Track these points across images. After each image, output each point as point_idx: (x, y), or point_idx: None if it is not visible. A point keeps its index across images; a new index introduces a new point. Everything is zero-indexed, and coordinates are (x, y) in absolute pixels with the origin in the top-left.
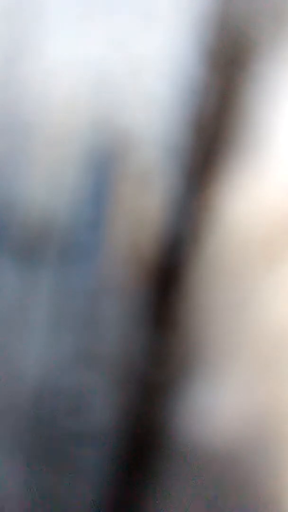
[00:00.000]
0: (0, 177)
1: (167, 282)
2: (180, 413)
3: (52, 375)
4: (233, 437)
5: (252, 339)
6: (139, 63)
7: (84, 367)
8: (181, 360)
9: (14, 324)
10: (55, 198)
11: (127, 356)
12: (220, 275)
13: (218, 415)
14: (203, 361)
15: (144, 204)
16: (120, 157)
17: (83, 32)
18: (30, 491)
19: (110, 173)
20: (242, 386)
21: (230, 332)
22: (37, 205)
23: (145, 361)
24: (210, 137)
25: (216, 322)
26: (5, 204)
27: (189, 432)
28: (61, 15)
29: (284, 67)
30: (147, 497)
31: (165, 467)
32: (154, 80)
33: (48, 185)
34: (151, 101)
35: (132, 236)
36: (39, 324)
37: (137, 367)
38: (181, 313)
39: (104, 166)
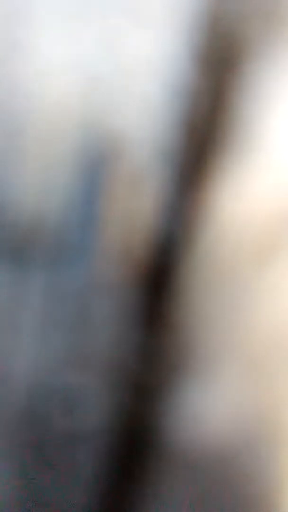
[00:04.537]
0: None
1: (159, 283)
2: (173, 414)
3: (44, 376)
4: (226, 437)
5: (244, 339)
6: (131, 64)
7: (76, 368)
8: (174, 360)
9: (5, 325)
10: (47, 199)
11: (119, 357)
12: (212, 275)
13: (210, 415)
14: (195, 361)
15: (136, 205)
16: (112, 158)
17: (74, 33)
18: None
19: (102, 174)
20: (234, 386)
21: (222, 333)
22: (29, 205)
23: (138, 362)
24: (202, 138)
25: (208, 323)
26: None
27: (181, 432)
28: (52, 15)
29: (275, 67)
30: (141, 497)
31: (158, 467)
32: (145, 81)
33: (39, 186)
34: (142, 102)
35: (124, 237)
36: (30, 325)
37: (129, 368)
38: (173, 314)
39: (95, 167)
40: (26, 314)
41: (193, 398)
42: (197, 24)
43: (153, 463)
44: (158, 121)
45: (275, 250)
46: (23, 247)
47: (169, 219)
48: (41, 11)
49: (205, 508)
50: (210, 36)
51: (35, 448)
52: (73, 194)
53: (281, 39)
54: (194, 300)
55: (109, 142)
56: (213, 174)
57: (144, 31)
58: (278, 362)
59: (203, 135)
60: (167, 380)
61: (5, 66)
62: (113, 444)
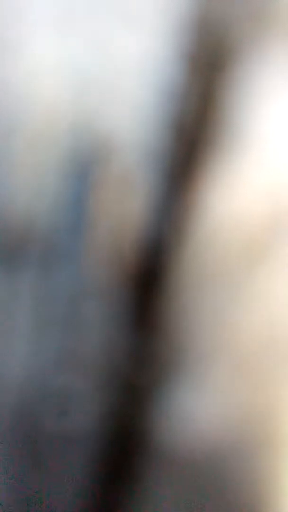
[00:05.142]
0: None
1: (149, 285)
2: (163, 415)
3: (36, 378)
4: (215, 439)
5: (234, 340)
6: (121, 66)
7: (67, 369)
8: (164, 362)
9: None
10: (37, 202)
11: (110, 359)
12: (202, 277)
13: (202, 416)
14: (185, 363)
15: (125, 207)
16: (101, 161)
17: (64, 35)
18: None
19: (92, 177)
20: (225, 387)
21: (213, 334)
22: (19, 209)
23: (128, 364)
24: (191, 140)
25: (199, 324)
26: None
27: (171, 434)
28: (42, 17)
29: (264, 68)
30: (130, 498)
31: (148, 468)
32: (135, 83)
33: (29, 189)
34: (132, 104)
35: (114, 239)
36: (22, 327)
37: (120, 370)
38: (163, 316)
39: (85, 170)
40: (17, 317)
41: (184, 399)
42: (187, 26)
43: (145, 464)
44: (147, 123)
45: (265, 251)
46: (13, 251)
47: (159, 221)
48: (31, 13)
49: (197, 507)
50: (200, 38)
51: (27, 449)
52: (63, 197)
53: (269, 41)
54: (184, 302)
55: (99, 144)
56: (203, 176)
57: (134, 34)
58: (268, 363)
59: (192, 136)
60: (158, 381)
61: None
62: (105, 444)
